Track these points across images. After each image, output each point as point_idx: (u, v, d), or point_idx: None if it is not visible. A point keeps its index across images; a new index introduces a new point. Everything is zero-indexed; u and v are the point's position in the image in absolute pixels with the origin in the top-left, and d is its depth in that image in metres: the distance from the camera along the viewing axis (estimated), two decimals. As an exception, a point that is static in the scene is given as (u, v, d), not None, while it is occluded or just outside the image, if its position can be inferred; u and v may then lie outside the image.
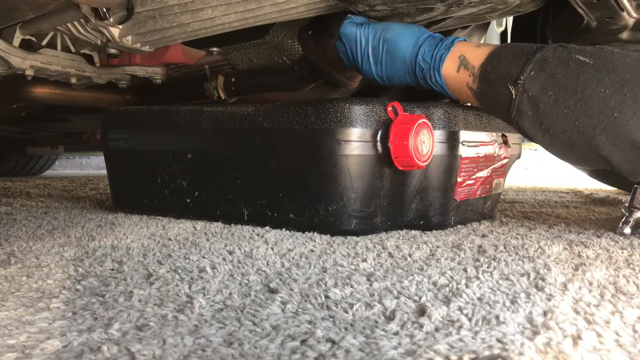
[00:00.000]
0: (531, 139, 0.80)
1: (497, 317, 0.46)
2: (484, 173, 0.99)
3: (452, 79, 0.82)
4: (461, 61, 0.80)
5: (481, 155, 0.97)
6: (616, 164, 0.73)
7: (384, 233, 0.90)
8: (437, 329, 0.43)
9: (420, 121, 0.83)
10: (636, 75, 0.69)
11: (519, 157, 1.13)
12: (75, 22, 1.02)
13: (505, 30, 1.53)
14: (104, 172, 1.49)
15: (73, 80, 1.25)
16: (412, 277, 0.59)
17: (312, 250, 0.75)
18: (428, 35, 0.84)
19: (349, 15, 0.91)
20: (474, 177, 0.97)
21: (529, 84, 0.73)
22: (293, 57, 1.21)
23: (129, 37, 1.02)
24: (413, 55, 0.84)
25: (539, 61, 0.73)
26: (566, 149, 0.76)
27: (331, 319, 0.46)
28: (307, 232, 0.88)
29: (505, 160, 1.06)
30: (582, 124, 0.71)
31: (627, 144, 0.70)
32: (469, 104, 0.95)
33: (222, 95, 1.32)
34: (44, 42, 1.14)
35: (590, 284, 0.57)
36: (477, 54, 0.79)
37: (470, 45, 0.81)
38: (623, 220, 0.89)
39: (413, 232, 0.92)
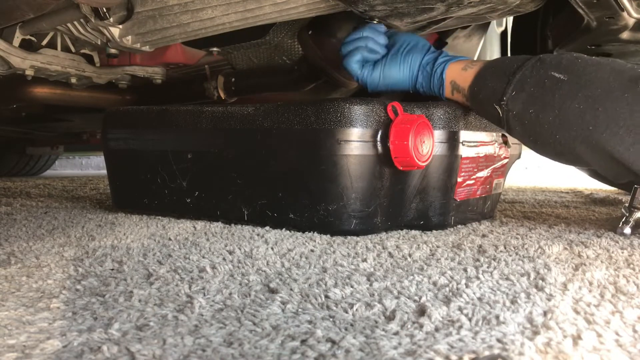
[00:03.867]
0: (526, 147, 0.87)
1: (497, 317, 0.46)
2: (484, 173, 0.99)
3: (452, 99, 0.89)
4: (453, 86, 0.87)
5: (481, 155, 0.97)
6: (599, 170, 0.78)
7: (384, 233, 0.90)
8: (437, 329, 0.43)
9: (420, 121, 0.83)
10: (607, 89, 0.72)
11: (519, 157, 1.13)
12: (75, 22, 1.02)
13: (505, 30, 1.53)
14: (104, 172, 1.49)
15: (73, 80, 1.25)
16: (412, 277, 0.59)
17: (312, 250, 0.75)
18: (418, 66, 0.90)
19: (349, 49, 0.93)
20: (474, 177, 0.97)
21: (511, 104, 0.79)
22: (293, 57, 1.21)
23: (129, 37, 1.02)
24: (413, 85, 0.92)
25: (518, 82, 0.78)
26: (555, 156, 0.82)
27: (331, 319, 0.46)
28: (307, 232, 0.88)
29: (505, 160, 1.06)
30: (562, 137, 0.76)
31: (604, 155, 0.73)
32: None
33: (222, 95, 1.32)
34: (44, 42, 1.14)
35: (590, 284, 0.57)
36: (465, 77, 0.85)
37: (459, 68, 0.87)
38: (623, 220, 0.89)
39: (413, 232, 0.92)
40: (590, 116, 0.72)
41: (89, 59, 1.24)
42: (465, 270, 0.63)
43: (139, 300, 0.52)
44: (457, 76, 0.86)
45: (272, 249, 0.75)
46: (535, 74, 0.77)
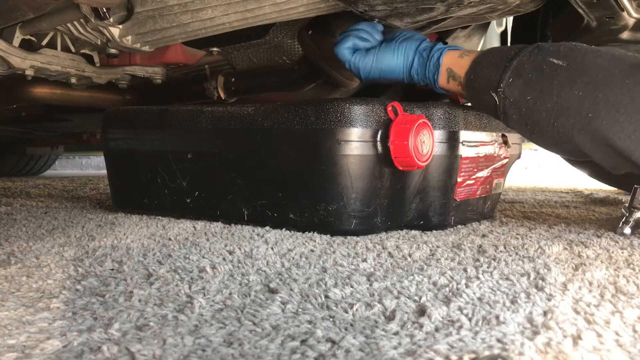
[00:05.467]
0: (523, 136, 0.85)
1: (497, 317, 0.46)
2: (484, 173, 0.99)
3: (447, 88, 0.88)
4: (449, 73, 0.86)
5: (481, 155, 0.97)
6: (597, 160, 0.76)
7: (384, 233, 0.90)
8: (437, 329, 0.43)
9: (420, 121, 0.83)
10: (607, 76, 0.71)
11: (519, 157, 1.13)
12: (75, 22, 1.02)
13: (505, 30, 1.53)
14: (104, 172, 1.49)
15: (73, 80, 1.25)
16: (412, 277, 0.59)
17: (312, 250, 0.75)
18: (415, 51, 0.89)
19: (341, 37, 0.94)
20: (474, 177, 0.97)
21: (508, 91, 0.77)
22: (293, 57, 1.21)
23: (129, 37, 1.02)
24: (407, 72, 0.90)
25: (515, 68, 0.76)
26: (553, 146, 0.79)
27: (331, 319, 0.46)
28: (307, 232, 0.88)
29: (505, 160, 1.06)
30: (560, 125, 0.74)
31: (603, 143, 0.71)
32: (469, 104, 0.96)
33: (222, 95, 1.32)
34: (44, 42, 1.13)
35: (590, 284, 0.57)
36: (461, 64, 0.84)
37: (455, 56, 0.85)
38: (623, 220, 0.89)
39: (413, 232, 0.92)
40: (589, 103, 0.70)
41: (89, 59, 1.24)
42: (465, 270, 0.63)
43: (139, 300, 0.52)
44: (454, 63, 0.85)
45: (272, 249, 0.75)
46: (532, 60, 0.76)
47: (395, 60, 0.90)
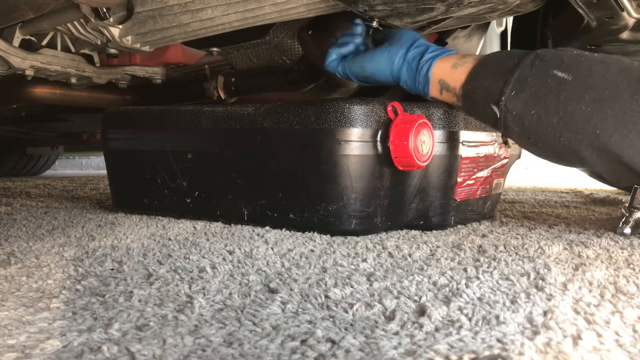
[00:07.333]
0: (523, 148, 0.83)
1: (497, 317, 0.46)
2: (484, 173, 0.99)
3: (440, 99, 0.85)
4: (442, 85, 0.82)
5: (481, 155, 0.97)
6: (602, 173, 0.75)
7: (384, 233, 0.90)
8: (437, 329, 0.43)
9: (420, 121, 0.83)
10: (615, 91, 0.69)
11: (519, 157, 1.13)
12: (75, 22, 1.02)
13: (505, 31, 1.53)
14: (104, 172, 1.49)
15: (73, 80, 1.25)
16: (412, 277, 0.59)
17: (312, 250, 0.75)
18: (402, 60, 0.85)
19: (330, 50, 0.92)
20: (474, 177, 0.97)
21: (511, 104, 0.75)
22: (293, 57, 1.21)
23: (129, 37, 1.02)
24: (395, 81, 0.87)
25: (517, 81, 0.74)
26: (555, 158, 0.78)
27: (331, 319, 0.46)
28: (307, 232, 0.88)
29: (505, 160, 1.06)
30: (566, 140, 0.72)
31: (610, 158, 0.71)
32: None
33: (222, 95, 1.32)
34: (44, 42, 1.14)
35: (590, 284, 0.57)
36: (455, 75, 0.81)
37: (448, 67, 0.82)
38: (623, 220, 0.89)
39: (413, 232, 0.92)
40: (597, 119, 0.69)
41: (89, 59, 1.24)
42: (465, 270, 0.63)
43: (139, 300, 0.52)
44: (447, 75, 0.82)
45: (272, 249, 0.75)
46: (535, 73, 0.74)
47: (381, 67, 0.86)
